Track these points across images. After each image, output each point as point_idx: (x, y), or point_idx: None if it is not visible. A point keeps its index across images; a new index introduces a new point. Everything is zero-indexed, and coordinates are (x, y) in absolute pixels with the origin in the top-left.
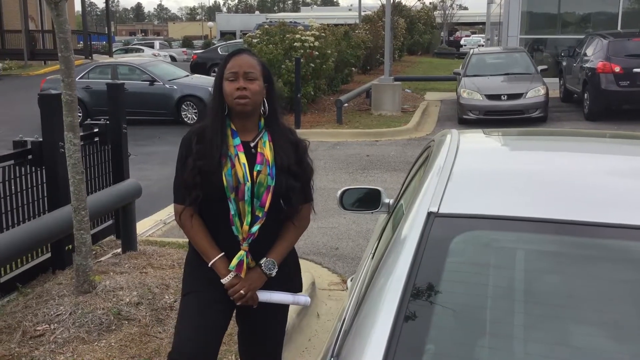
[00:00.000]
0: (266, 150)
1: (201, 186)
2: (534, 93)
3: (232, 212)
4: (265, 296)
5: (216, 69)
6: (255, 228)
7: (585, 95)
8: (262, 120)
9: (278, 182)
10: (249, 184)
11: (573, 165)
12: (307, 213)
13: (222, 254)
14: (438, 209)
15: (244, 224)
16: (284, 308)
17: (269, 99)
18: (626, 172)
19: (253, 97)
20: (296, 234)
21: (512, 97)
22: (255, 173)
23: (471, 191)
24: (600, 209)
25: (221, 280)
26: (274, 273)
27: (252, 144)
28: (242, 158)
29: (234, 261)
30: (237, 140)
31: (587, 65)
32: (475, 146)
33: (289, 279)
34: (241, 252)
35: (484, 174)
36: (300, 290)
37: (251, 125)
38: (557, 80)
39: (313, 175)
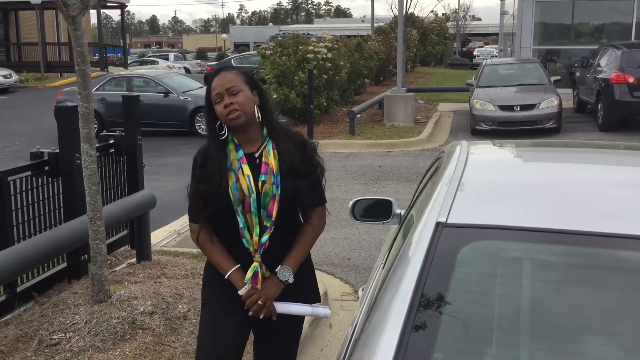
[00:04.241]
0: (271, 159)
1: (208, 206)
2: (547, 104)
3: (240, 225)
4: (284, 308)
5: None
6: (265, 238)
7: (599, 106)
8: (265, 129)
9: (284, 188)
10: (254, 195)
11: (581, 176)
12: (322, 216)
13: (238, 265)
14: (446, 219)
15: (254, 235)
16: (299, 318)
17: (260, 104)
18: (637, 184)
19: (242, 108)
20: (310, 239)
21: (525, 108)
22: (260, 184)
23: (479, 201)
24: (609, 219)
25: (238, 292)
26: (290, 280)
27: (256, 155)
28: (247, 170)
29: (249, 273)
30: (240, 153)
31: (601, 75)
32: (485, 157)
33: (308, 289)
34: (254, 264)
35: (492, 184)
36: (319, 301)
37: (254, 136)
38: (570, 91)
39: (324, 174)
